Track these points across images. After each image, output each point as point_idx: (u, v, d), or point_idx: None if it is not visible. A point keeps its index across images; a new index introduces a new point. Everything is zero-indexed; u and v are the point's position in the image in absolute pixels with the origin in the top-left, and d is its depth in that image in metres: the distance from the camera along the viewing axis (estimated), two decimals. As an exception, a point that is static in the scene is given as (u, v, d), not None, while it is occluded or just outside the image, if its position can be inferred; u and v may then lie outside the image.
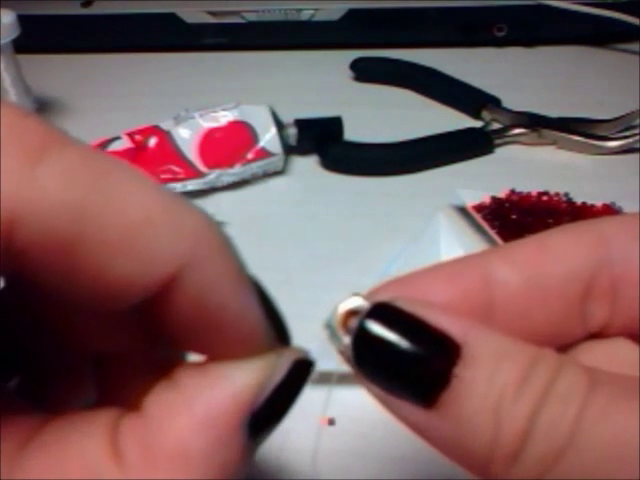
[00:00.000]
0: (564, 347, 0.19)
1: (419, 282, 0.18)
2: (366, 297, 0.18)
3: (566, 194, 0.43)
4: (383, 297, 0.17)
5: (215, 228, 0.16)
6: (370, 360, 0.16)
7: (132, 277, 0.14)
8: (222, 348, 0.16)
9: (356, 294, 0.18)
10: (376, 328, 0.16)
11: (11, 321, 0.19)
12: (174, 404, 0.16)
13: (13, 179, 0.13)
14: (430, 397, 0.15)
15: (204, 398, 0.16)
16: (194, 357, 0.17)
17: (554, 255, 0.18)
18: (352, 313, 0.17)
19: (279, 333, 0.17)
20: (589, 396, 0.14)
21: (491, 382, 0.15)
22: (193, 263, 0.15)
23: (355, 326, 0.16)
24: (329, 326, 0.18)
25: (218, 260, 0.15)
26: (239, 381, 0.16)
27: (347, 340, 0.17)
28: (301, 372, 0.17)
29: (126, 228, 0.14)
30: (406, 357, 0.16)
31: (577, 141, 0.49)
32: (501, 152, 0.50)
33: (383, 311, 0.16)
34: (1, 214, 0.13)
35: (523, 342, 0.16)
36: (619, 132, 0.50)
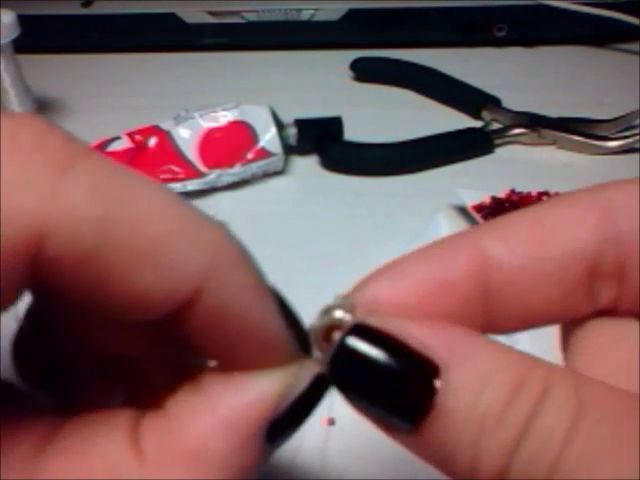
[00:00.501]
0: (572, 322, 0.18)
1: (409, 270, 0.17)
2: (352, 299, 0.17)
3: (566, 194, 0.43)
4: (370, 294, 0.17)
5: (234, 240, 0.16)
6: (348, 383, 0.16)
7: (155, 291, 0.15)
8: (244, 358, 0.17)
9: (341, 297, 0.17)
10: (355, 347, 0.15)
11: (39, 329, 0.19)
12: (197, 406, 0.16)
13: (40, 194, 0.13)
14: (412, 423, 0.15)
15: (227, 402, 0.16)
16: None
17: (553, 235, 0.17)
18: (334, 326, 0.17)
19: (300, 342, 0.18)
20: (571, 433, 0.14)
21: (471, 412, 0.14)
22: (213, 276, 0.15)
23: (334, 344, 0.16)
24: (313, 334, 0.17)
25: (238, 272, 0.16)
26: (262, 389, 0.16)
27: (326, 358, 0.16)
28: (321, 386, 0.18)
29: (149, 242, 0.14)
30: (385, 382, 0.15)
31: (577, 141, 0.49)
32: (501, 152, 0.50)
33: (362, 331, 0.16)
34: (29, 228, 0.13)
35: (509, 359, 0.15)
36: (619, 132, 0.50)
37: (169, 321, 0.16)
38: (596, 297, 0.17)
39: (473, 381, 0.15)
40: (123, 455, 0.15)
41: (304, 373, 0.17)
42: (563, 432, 0.14)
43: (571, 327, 0.18)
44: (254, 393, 0.16)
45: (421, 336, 0.15)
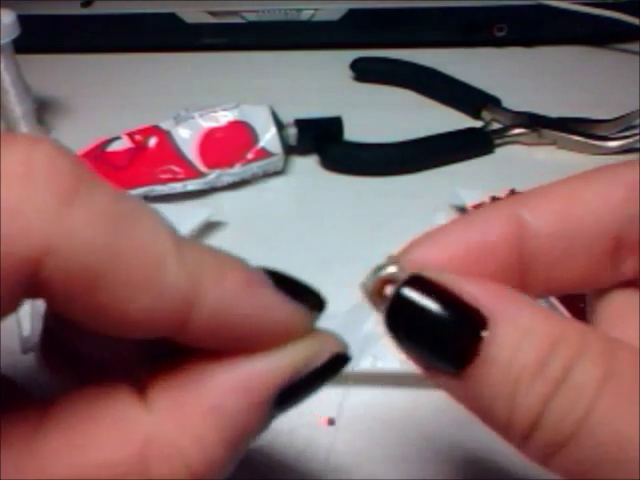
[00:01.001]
0: (598, 291, 0.19)
1: (451, 235, 0.19)
2: (400, 258, 0.18)
3: (566, 194, 0.43)
4: (417, 257, 0.18)
5: (214, 250, 0.17)
6: (402, 331, 0.17)
7: (150, 313, 0.15)
8: (257, 343, 0.17)
9: (392, 257, 0.18)
10: (410, 299, 0.17)
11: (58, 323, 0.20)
12: (215, 366, 0.17)
13: (45, 217, 0.14)
14: (457, 368, 0.16)
15: (245, 366, 0.17)
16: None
17: (582, 207, 0.18)
18: (387, 281, 0.18)
19: (311, 303, 0.18)
20: (601, 389, 0.15)
21: (511, 363, 0.15)
22: (203, 289, 0.16)
23: (390, 296, 0.17)
24: (365, 290, 0.18)
25: (226, 277, 0.16)
26: (279, 359, 0.17)
27: (381, 309, 0.17)
28: (336, 365, 0.19)
29: (145, 268, 0.15)
30: (436, 330, 0.16)
31: (577, 141, 0.49)
32: (501, 152, 0.50)
33: (417, 283, 0.17)
34: (29, 248, 0.14)
35: (548, 318, 0.16)
36: (619, 132, 0.50)
37: (168, 336, 0.16)
38: (620, 268, 0.18)
39: (516, 335, 0.16)
40: (130, 407, 0.16)
41: (323, 350, 0.18)
42: (595, 387, 0.15)
43: (596, 297, 0.19)
44: (271, 361, 0.17)
45: (471, 289, 0.16)
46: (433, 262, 0.18)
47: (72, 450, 0.16)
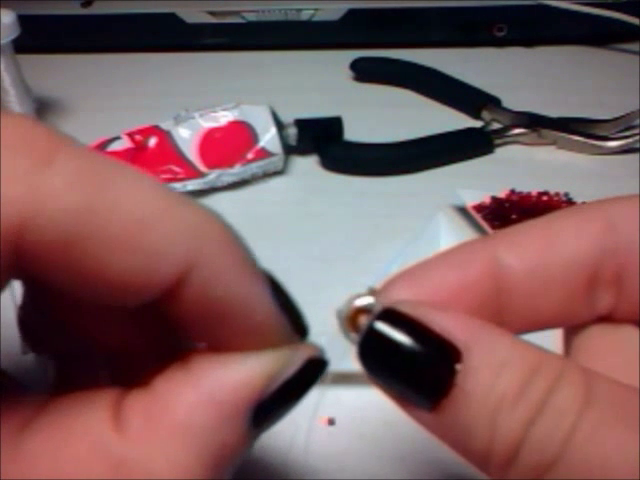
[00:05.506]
0: (574, 328, 0.19)
1: (431, 273, 0.18)
2: (379, 294, 0.18)
3: (566, 194, 0.43)
4: (396, 295, 0.18)
5: (220, 223, 0.16)
6: (376, 364, 0.17)
7: (139, 276, 0.15)
8: (235, 340, 0.17)
9: (371, 289, 0.18)
10: (384, 333, 0.16)
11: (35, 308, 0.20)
12: (182, 381, 0.16)
13: (23, 183, 0.14)
14: (432, 402, 0.16)
15: (213, 379, 0.16)
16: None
17: (558, 243, 0.18)
18: (362, 310, 0.17)
19: (295, 325, 0.18)
20: (583, 413, 0.15)
21: (489, 392, 0.15)
22: (199, 259, 0.15)
23: (364, 328, 0.17)
24: (340, 317, 0.18)
25: (224, 255, 0.16)
26: (250, 369, 0.17)
27: (354, 339, 0.17)
28: (313, 371, 0.18)
29: (131, 229, 0.15)
30: (410, 364, 0.16)
31: (577, 141, 0.49)
32: (501, 152, 0.50)
33: (391, 316, 0.17)
34: (10, 217, 0.14)
35: (525, 347, 0.16)
36: (619, 132, 0.50)
37: (157, 305, 0.16)
38: (596, 303, 0.18)
39: (492, 365, 0.16)
40: (104, 429, 0.16)
41: (297, 356, 0.17)
42: (577, 408, 0.15)
43: (573, 333, 0.19)
44: (241, 371, 0.17)
45: (445, 323, 0.16)
46: (412, 298, 0.18)
47: (51, 458, 0.15)
